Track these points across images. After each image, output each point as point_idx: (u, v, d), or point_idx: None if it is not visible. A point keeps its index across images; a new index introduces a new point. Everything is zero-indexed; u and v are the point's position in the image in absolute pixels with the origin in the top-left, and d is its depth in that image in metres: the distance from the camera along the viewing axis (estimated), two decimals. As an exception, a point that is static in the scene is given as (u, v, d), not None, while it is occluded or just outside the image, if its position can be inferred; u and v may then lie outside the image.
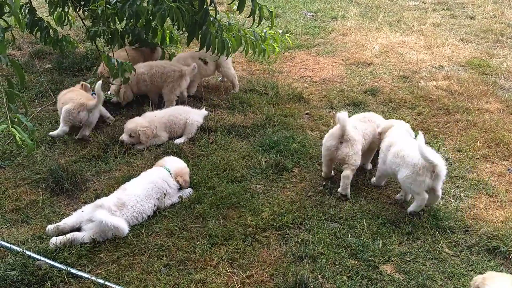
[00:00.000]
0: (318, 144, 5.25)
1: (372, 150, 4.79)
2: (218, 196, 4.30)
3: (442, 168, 3.96)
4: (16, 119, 3.80)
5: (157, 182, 4.16)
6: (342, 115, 4.25)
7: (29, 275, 3.32)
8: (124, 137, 5.06)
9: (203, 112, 5.64)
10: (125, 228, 3.77)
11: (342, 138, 4.35)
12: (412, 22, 9.68)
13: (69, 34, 7.07)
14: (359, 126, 4.59)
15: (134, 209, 3.91)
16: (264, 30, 6.42)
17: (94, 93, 5.25)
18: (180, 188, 4.34)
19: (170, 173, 4.32)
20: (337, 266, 3.56)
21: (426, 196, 4.03)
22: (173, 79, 5.83)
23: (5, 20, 4.09)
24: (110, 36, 5.98)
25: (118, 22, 5.95)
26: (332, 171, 4.69)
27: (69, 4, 6.74)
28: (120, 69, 5.04)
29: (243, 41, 6.00)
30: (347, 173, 4.33)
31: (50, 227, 3.76)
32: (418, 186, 3.98)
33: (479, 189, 4.60)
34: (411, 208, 4.14)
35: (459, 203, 4.35)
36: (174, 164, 4.44)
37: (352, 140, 4.35)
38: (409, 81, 7.06)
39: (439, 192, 4.07)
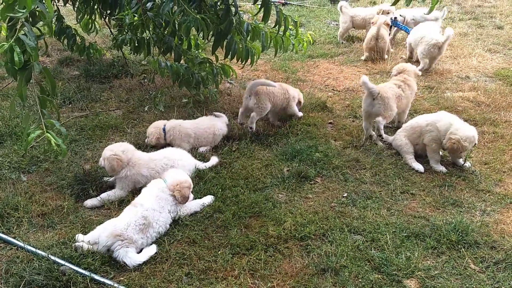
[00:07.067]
0: (342, 153, 5.22)
1: None
2: (240, 205, 4.28)
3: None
4: (49, 125, 3.89)
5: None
6: None
7: (54, 280, 3.35)
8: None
9: (225, 119, 5.67)
10: (153, 251, 3.73)
11: None
12: (438, 31, 9.54)
13: (96, 42, 7.22)
14: None
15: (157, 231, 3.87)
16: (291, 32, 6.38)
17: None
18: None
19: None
20: (360, 280, 3.50)
21: None
22: None
23: (38, 28, 4.19)
24: (136, 45, 6.09)
25: (145, 32, 6.04)
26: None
27: (96, 12, 6.91)
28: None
29: (270, 39, 6.02)
30: None
31: (78, 244, 3.68)
32: None
33: (506, 203, 4.47)
34: None
35: (485, 218, 4.25)
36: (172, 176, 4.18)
37: None
38: (435, 91, 6.97)
39: None
